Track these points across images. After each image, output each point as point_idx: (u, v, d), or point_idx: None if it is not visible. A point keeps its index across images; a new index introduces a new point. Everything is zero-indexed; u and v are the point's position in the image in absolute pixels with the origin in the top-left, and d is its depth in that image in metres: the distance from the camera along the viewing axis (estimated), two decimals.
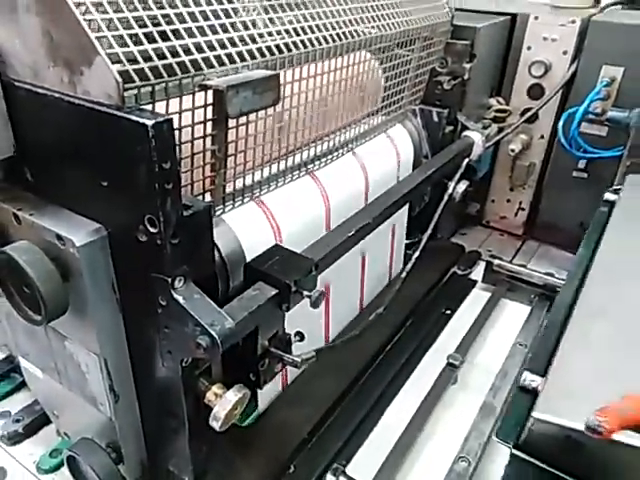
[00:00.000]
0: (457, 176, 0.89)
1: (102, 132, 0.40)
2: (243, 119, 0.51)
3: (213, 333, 0.44)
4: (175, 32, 0.44)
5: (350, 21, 0.68)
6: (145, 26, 0.42)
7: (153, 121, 0.37)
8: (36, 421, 0.67)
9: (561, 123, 0.96)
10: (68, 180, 0.46)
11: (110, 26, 0.40)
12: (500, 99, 1.05)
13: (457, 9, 1.07)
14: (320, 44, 0.59)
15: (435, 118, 0.90)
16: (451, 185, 0.88)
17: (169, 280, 0.44)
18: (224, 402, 0.49)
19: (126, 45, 0.40)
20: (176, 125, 0.42)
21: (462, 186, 0.95)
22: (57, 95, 0.42)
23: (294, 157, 0.64)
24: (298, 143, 0.64)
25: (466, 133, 0.92)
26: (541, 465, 0.43)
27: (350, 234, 0.62)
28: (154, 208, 0.41)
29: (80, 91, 0.41)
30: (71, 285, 0.46)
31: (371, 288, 0.88)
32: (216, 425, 0.49)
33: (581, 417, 0.38)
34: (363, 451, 0.67)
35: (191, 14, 0.46)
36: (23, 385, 0.71)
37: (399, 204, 0.73)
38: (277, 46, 0.53)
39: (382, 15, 0.73)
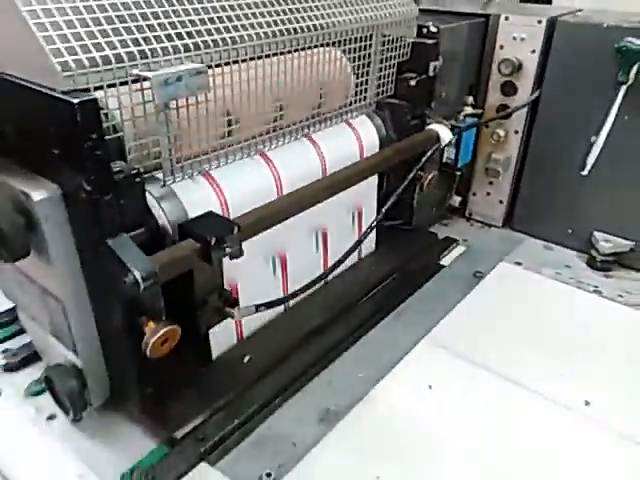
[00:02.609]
0: (420, 164, 0.97)
1: (49, 111, 0.52)
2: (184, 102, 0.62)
3: (136, 273, 0.55)
4: (115, 30, 0.56)
5: (309, 16, 0.78)
6: (87, 25, 0.53)
7: (78, 100, 0.49)
8: (30, 356, 0.81)
9: None
10: (32, 149, 0.58)
11: (54, 26, 0.52)
12: (471, 100, 1.11)
13: (436, 11, 1.15)
14: (271, 37, 0.70)
15: (401, 112, 0.98)
16: (413, 172, 0.96)
17: (104, 230, 0.55)
18: (152, 333, 0.60)
19: (68, 41, 0.51)
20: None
21: (429, 175, 1.03)
22: (17, 82, 0.54)
23: (244, 139, 0.74)
24: (248, 126, 0.75)
25: (430, 126, 0.99)
26: None
27: (282, 205, 0.71)
28: (88, 171, 0.53)
29: (33, 79, 0.53)
30: (35, 234, 0.59)
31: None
32: (147, 352, 0.60)
33: None
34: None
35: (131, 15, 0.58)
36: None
37: (349, 182, 0.82)
38: (214, 41, 0.64)
39: (340, 11, 0.83)
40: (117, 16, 0.56)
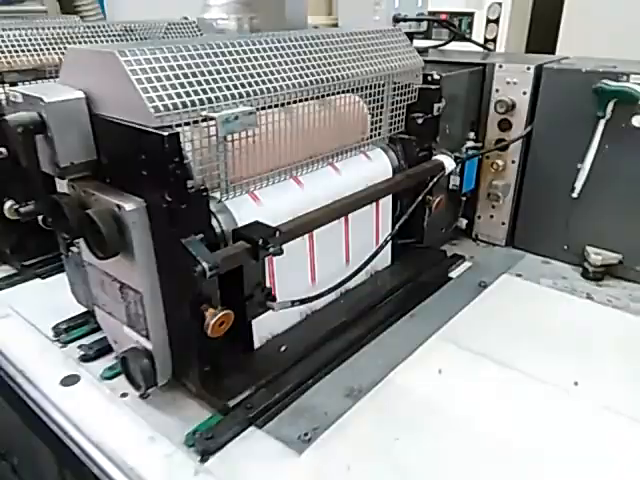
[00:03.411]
0: (427, 188, 1.13)
1: (143, 142, 0.70)
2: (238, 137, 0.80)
3: (204, 264, 0.71)
4: (190, 83, 0.74)
5: (332, 69, 0.96)
6: (170, 79, 0.72)
7: (167, 133, 0.67)
8: (102, 350, 0.97)
9: None
10: (124, 172, 0.76)
11: (148, 81, 0.70)
12: (472, 135, 1.28)
13: (441, 61, 1.34)
14: (303, 86, 0.88)
15: (410, 145, 1.15)
16: (422, 195, 1.13)
17: (179, 233, 0.72)
18: (212, 316, 0.75)
19: (157, 91, 0.70)
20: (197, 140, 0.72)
21: (436, 199, 1.20)
22: (120, 122, 0.72)
23: (282, 167, 0.92)
24: (285, 157, 0.93)
25: (436, 157, 1.16)
26: None
27: (313, 217, 0.88)
28: (170, 186, 0.70)
29: (133, 120, 0.71)
30: (124, 237, 0.75)
31: (357, 279, 1.12)
32: (208, 331, 0.75)
33: None
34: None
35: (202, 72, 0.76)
36: (98, 328, 1.01)
37: (365, 200, 0.99)
38: (261, 89, 0.82)
39: (358, 64, 1.01)
40: (191, 72, 0.75)
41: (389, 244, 1.18)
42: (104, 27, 1.46)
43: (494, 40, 3.19)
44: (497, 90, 1.24)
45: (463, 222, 1.37)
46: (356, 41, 1.05)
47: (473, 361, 0.93)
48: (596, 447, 0.76)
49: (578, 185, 1.17)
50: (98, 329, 1.00)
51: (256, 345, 0.93)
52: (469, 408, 0.83)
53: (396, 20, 1.41)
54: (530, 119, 1.22)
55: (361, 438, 0.78)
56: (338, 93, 0.99)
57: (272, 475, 0.72)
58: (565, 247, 1.24)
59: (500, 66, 1.23)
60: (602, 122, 1.10)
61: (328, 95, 0.97)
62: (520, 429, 0.79)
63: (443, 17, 3.27)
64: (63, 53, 1.30)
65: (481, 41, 3.12)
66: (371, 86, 1.04)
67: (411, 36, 1.50)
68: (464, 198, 1.33)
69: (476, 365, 0.92)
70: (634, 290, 1.14)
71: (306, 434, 0.77)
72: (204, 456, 0.75)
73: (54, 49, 1.27)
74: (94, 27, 1.43)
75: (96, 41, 1.41)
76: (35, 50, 1.24)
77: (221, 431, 0.78)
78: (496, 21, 3.08)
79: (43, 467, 1.09)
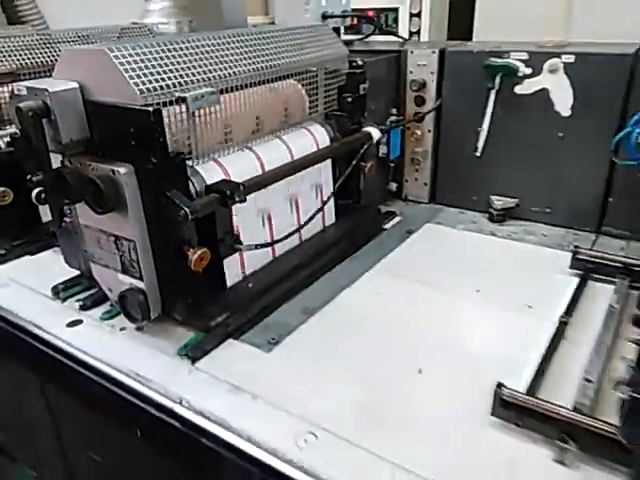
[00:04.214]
0: (359, 155, 1.37)
1: (132, 118, 0.90)
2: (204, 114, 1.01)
3: (186, 209, 0.92)
4: (168, 71, 0.95)
5: (275, 58, 1.19)
6: (153, 68, 0.93)
7: (152, 109, 0.88)
8: (98, 299, 1.16)
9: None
10: (114, 144, 0.96)
11: (134, 70, 0.90)
12: (394, 110, 1.54)
13: (365, 51, 1.59)
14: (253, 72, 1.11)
15: (343, 120, 1.39)
16: (355, 160, 1.37)
17: (164, 187, 0.93)
18: (193, 253, 0.97)
19: (141, 77, 0.90)
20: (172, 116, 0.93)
21: (368, 165, 1.44)
22: (113, 104, 0.93)
23: (238, 140, 1.14)
24: (242, 131, 1.15)
25: (364, 128, 1.40)
26: None
27: (267, 176, 1.10)
28: (156, 151, 0.91)
29: (123, 101, 0.91)
30: (118, 196, 0.95)
31: (308, 231, 1.35)
32: (191, 266, 0.97)
33: None
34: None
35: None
36: (91, 287, 1.19)
37: (307, 163, 1.22)
38: (220, 75, 1.04)
39: (295, 54, 1.24)
40: (165, 63, 0.96)
41: (332, 204, 1.42)
42: (61, 34, 1.63)
43: (418, 32, 3.51)
44: (411, 72, 1.50)
45: (393, 185, 1.63)
46: (292, 35, 1.28)
47: (402, 284, 1.18)
48: (481, 325, 1.03)
49: (479, 145, 1.45)
50: (91, 287, 1.19)
51: (229, 284, 1.14)
52: (395, 314, 1.08)
53: (324, 17, 1.65)
54: (439, 94, 1.49)
55: (315, 339, 1.01)
56: (281, 79, 1.23)
57: (248, 366, 0.94)
58: (474, 198, 1.52)
59: (412, 52, 1.49)
60: (493, 92, 1.38)
61: (273, 80, 1.20)
62: (431, 322, 1.04)
63: (370, 13, 3.57)
64: (34, 58, 1.48)
65: (406, 34, 3.44)
66: (306, 72, 1.28)
67: (338, 30, 1.74)
68: (392, 165, 1.59)
69: (403, 286, 1.17)
70: (528, 226, 1.43)
71: (273, 339, 1.00)
72: (194, 360, 0.96)
73: (25, 55, 1.45)
74: (51, 35, 1.59)
75: (58, 48, 1.57)
76: (9, 56, 1.41)
77: (205, 343, 0.99)
78: (418, 15, 3.40)
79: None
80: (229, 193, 0.98)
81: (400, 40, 1.75)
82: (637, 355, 0.57)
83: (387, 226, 1.48)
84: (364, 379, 0.90)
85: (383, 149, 1.52)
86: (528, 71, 1.32)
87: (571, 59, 1.26)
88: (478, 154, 1.47)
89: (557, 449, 0.72)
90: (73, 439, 1.28)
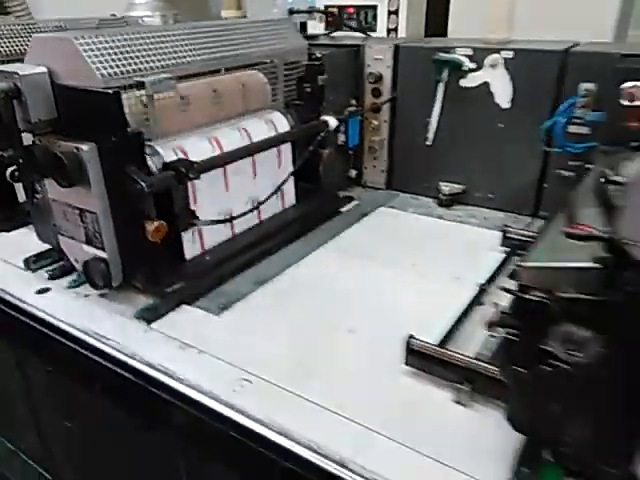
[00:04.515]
0: (316, 141, 1.47)
1: (94, 100, 1.00)
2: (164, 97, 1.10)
3: (143, 184, 1.02)
4: (129, 57, 1.04)
5: (235, 49, 1.29)
6: (115, 55, 1.02)
7: (112, 91, 0.97)
8: (66, 270, 1.25)
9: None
10: (77, 124, 1.05)
11: (97, 57, 1.00)
12: (353, 101, 1.64)
13: (329, 45, 1.68)
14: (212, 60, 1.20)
15: (302, 109, 1.49)
16: (312, 146, 1.47)
17: (123, 163, 1.03)
18: (150, 225, 1.06)
19: (103, 63, 1.00)
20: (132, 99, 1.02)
21: (326, 151, 1.54)
22: (78, 87, 1.02)
23: (198, 124, 1.23)
24: (203, 116, 1.24)
25: (321, 117, 1.50)
26: None
27: (223, 156, 1.20)
28: (116, 130, 1.00)
29: (87, 85, 1.01)
30: (81, 171, 1.05)
31: (267, 211, 1.45)
32: (149, 236, 1.06)
33: None
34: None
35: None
36: (60, 259, 1.28)
37: (263, 145, 1.31)
38: (178, 62, 1.13)
39: (255, 45, 1.34)
40: (126, 50, 1.05)
41: (292, 188, 1.52)
42: (41, 25, 1.71)
43: (395, 29, 3.62)
44: (369, 65, 1.60)
45: (353, 172, 1.73)
46: (253, 27, 1.38)
47: (347, 259, 1.29)
48: (410, 293, 1.13)
49: (429, 135, 1.55)
50: (60, 259, 1.28)
51: (188, 257, 1.24)
52: (336, 284, 1.18)
53: (291, 12, 1.75)
54: (394, 87, 1.59)
55: (261, 305, 1.11)
56: (242, 68, 1.32)
57: (197, 327, 1.04)
58: (426, 185, 1.62)
59: (370, 47, 1.59)
60: (441, 85, 1.48)
61: (234, 69, 1.30)
62: (367, 291, 1.14)
63: (350, 10, 3.67)
64: (13, 46, 1.56)
65: (384, 31, 3.55)
66: (266, 62, 1.38)
67: (305, 25, 1.84)
68: (352, 153, 1.69)
69: (348, 261, 1.28)
70: (473, 211, 1.53)
71: (223, 304, 1.10)
72: (149, 322, 1.06)
73: (5, 43, 1.54)
74: (31, 25, 1.68)
75: None
76: None
77: (160, 307, 1.09)
78: (396, 12, 3.50)
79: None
80: (184, 170, 1.08)
81: (363, 36, 1.84)
82: (510, 302, 0.67)
83: (344, 209, 1.58)
84: (300, 338, 1.00)
85: (342, 137, 1.61)
86: (472, 66, 1.42)
87: (510, 55, 1.37)
88: (429, 143, 1.57)
89: (456, 391, 0.83)
90: (44, 403, 1.37)
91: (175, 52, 1.16)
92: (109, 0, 2.34)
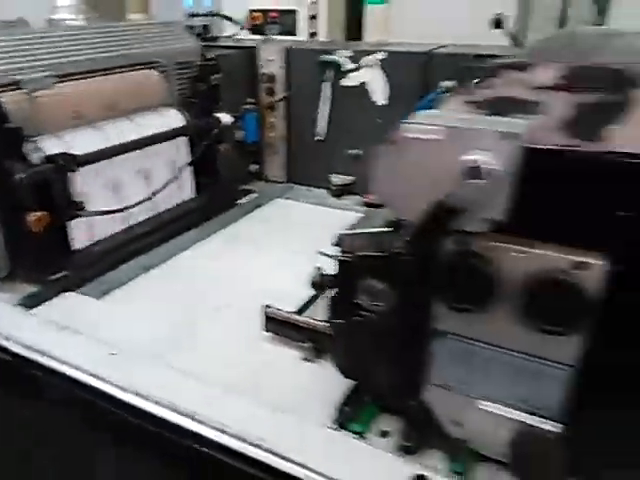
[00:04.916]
0: (210, 138, 1.55)
1: None
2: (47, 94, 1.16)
3: (21, 175, 1.07)
4: (9, 58, 1.09)
5: (124, 49, 1.35)
6: None
7: None
8: None
9: None
10: None
11: None
12: (250, 100, 1.73)
13: (228, 46, 1.77)
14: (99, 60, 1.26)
15: (197, 106, 1.56)
16: (207, 142, 1.54)
17: (4, 157, 1.07)
18: (32, 216, 1.11)
19: None
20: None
21: (222, 147, 1.62)
22: None
23: (90, 120, 1.29)
24: (92, 112, 1.30)
25: (216, 114, 1.58)
26: None
27: (109, 150, 1.26)
28: None
29: None
30: None
31: (164, 203, 1.51)
32: (31, 227, 1.11)
33: None
34: None
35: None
36: None
37: (154, 141, 1.38)
38: (63, 62, 1.19)
39: (145, 46, 1.41)
40: (14, 49, 1.10)
41: (190, 181, 1.58)
42: None
43: (315, 34, 3.76)
44: (262, 66, 1.70)
45: (253, 167, 1.82)
46: (143, 29, 1.45)
47: (232, 246, 1.38)
48: (282, 272, 1.22)
49: (319, 131, 1.66)
50: None
51: (78, 247, 1.29)
52: (215, 268, 1.27)
53: (191, 15, 1.83)
54: (287, 86, 1.69)
55: (142, 289, 1.19)
56: (135, 67, 1.39)
57: (79, 307, 1.10)
58: (320, 177, 1.73)
59: (263, 49, 1.68)
60: (326, 84, 1.60)
61: (125, 68, 1.36)
62: (241, 272, 1.24)
63: (274, 15, 3.78)
64: None
65: (306, 35, 3.68)
66: (158, 62, 1.45)
67: (207, 27, 1.92)
68: (252, 149, 1.78)
69: (233, 247, 1.37)
70: (359, 200, 1.65)
71: (105, 290, 1.16)
72: (30, 307, 1.10)
73: None
74: None
75: None
76: None
77: (42, 294, 1.14)
78: (316, 17, 3.64)
79: None
80: (63, 163, 1.14)
81: (261, 38, 1.93)
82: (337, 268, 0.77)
83: (242, 201, 1.67)
84: (172, 317, 1.08)
85: (239, 134, 1.70)
86: (352, 66, 1.54)
87: (384, 56, 1.50)
88: (321, 138, 1.68)
89: (305, 351, 0.93)
90: None
91: (61, 52, 1.21)
92: (35, 2, 2.33)
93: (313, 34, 3.78)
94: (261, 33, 2.29)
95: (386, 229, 0.72)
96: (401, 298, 0.70)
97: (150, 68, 1.48)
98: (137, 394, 0.84)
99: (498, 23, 1.23)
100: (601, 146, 0.50)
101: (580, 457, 0.62)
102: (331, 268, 0.78)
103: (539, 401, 0.65)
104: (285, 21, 3.78)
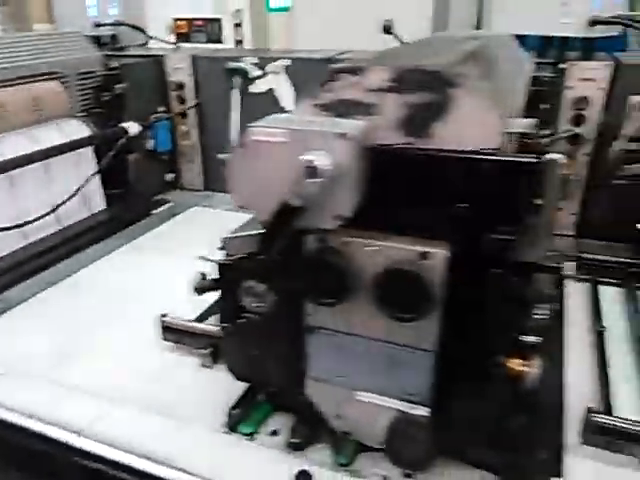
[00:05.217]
0: (115, 148, 1.52)
1: None
2: None
3: None
4: None
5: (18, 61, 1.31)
6: None
7: None
8: None
9: None
10: None
11: None
12: (163, 108, 1.72)
13: (131, 55, 1.74)
14: None
15: (101, 117, 1.53)
16: (113, 151, 1.52)
17: None
18: None
19: None
20: None
21: (132, 157, 1.60)
22: None
23: None
24: None
25: (122, 124, 1.56)
26: None
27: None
28: None
29: None
30: None
31: (70, 217, 1.47)
32: None
33: None
34: None
35: None
36: None
37: (58, 151, 1.35)
38: None
39: (41, 56, 1.38)
40: None
41: (99, 193, 1.55)
42: None
43: (241, 41, 3.77)
44: (169, 74, 1.69)
45: (169, 176, 1.80)
46: (40, 41, 1.41)
47: (139, 256, 1.36)
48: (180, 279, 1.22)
49: (231, 138, 1.67)
50: None
51: None
52: (117, 279, 1.25)
53: (97, 25, 1.79)
54: (197, 94, 1.69)
55: (40, 304, 1.16)
56: (35, 77, 1.35)
57: None
58: None
59: (169, 57, 1.68)
60: (235, 91, 1.60)
61: (25, 78, 1.33)
62: (136, 281, 1.23)
63: (199, 23, 3.76)
64: None
65: (232, 43, 3.68)
66: (57, 72, 1.41)
67: (115, 37, 1.89)
68: (165, 157, 1.76)
69: (140, 257, 1.35)
70: None
71: (3, 308, 1.12)
72: None
73: None
74: None
75: None
76: None
77: None
78: (240, 25, 3.65)
79: None
80: None
81: (172, 46, 1.92)
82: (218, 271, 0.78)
83: (156, 211, 1.65)
84: (69, 331, 1.05)
85: (150, 143, 1.68)
86: (258, 73, 1.56)
87: (288, 62, 1.52)
88: (233, 144, 1.68)
89: (203, 357, 0.93)
90: None
91: None
92: None
93: (239, 42, 3.78)
94: (187, 42, 2.27)
95: (258, 232, 0.73)
96: (277, 297, 0.72)
97: (51, 79, 1.44)
98: (28, 416, 0.82)
99: (388, 29, 1.28)
100: (431, 143, 0.53)
101: (446, 437, 0.65)
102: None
103: (412, 388, 0.68)
104: (211, 29, 3.77)
